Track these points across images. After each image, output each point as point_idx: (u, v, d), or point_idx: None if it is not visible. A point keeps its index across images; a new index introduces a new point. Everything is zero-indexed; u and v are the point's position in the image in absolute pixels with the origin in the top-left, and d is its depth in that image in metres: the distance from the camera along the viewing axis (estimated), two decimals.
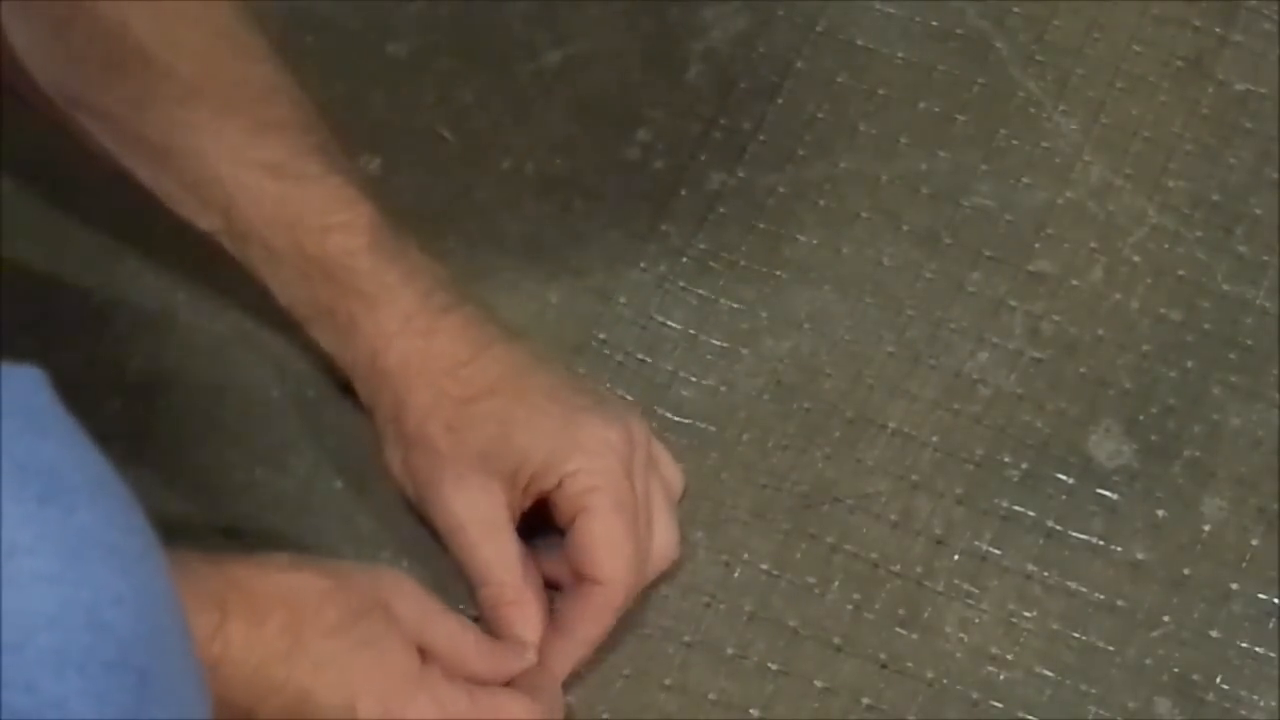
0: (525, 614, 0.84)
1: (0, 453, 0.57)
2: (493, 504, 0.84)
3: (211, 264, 0.92)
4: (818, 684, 0.84)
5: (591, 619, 0.83)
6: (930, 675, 0.84)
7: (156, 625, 0.58)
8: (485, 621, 0.83)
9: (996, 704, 0.83)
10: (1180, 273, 0.91)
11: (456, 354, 0.84)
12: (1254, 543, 0.86)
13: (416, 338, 0.84)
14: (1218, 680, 0.83)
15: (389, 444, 0.86)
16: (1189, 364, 0.89)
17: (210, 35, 0.84)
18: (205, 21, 0.84)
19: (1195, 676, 0.83)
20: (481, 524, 0.84)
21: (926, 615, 0.85)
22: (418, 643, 0.78)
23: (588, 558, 0.82)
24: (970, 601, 0.85)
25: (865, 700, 0.83)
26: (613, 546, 0.82)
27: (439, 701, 0.78)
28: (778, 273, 0.92)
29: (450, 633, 0.80)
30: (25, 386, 0.60)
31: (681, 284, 0.92)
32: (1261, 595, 0.85)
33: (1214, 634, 0.84)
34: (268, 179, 0.83)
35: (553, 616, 0.84)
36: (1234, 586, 0.85)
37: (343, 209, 0.84)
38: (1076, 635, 0.84)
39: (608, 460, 0.83)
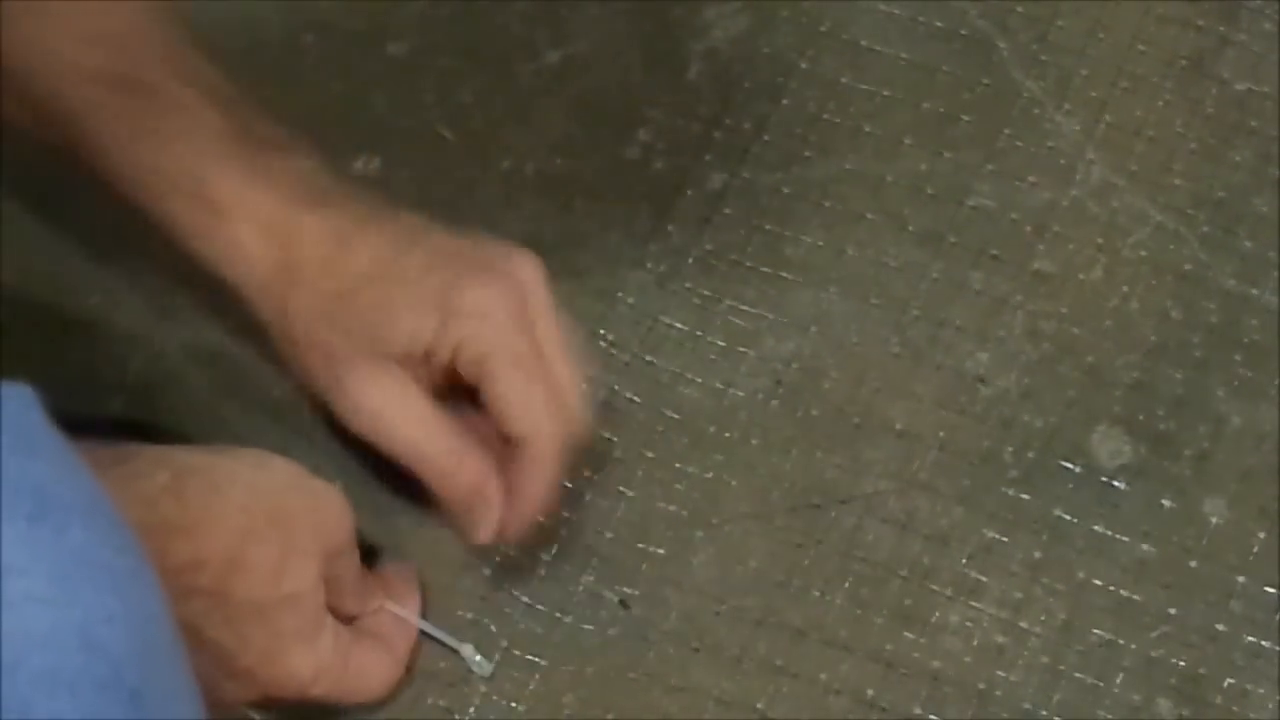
0: (489, 481, 0.82)
1: None
2: (401, 385, 0.81)
3: None
4: (821, 684, 0.84)
5: (530, 476, 0.81)
6: (934, 675, 0.84)
7: (149, 643, 0.58)
8: (454, 505, 0.83)
9: (1000, 703, 0.83)
10: (1183, 272, 0.91)
11: (323, 251, 0.81)
12: (1257, 540, 0.86)
13: (277, 248, 0.80)
14: (1223, 676, 0.83)
15: (287, 358, 0.84)
16: (1191, 363, 0.89)
17: None
18: None
19: (1200, 673, 0.83)
20: (396, 406, 0.82)
21: (929, 615, 0.85)
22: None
23: (503, 419, 0.81)
24: (973, 601, 0.85)
25: (869, 699, 0.84)
26: (521, 401, 0.81)
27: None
28: (780, 273, 0.92)
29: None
30: (15, 405, 0.59)
31: (684, 284, 0.92)
32: (1269, 589, 0.85)
33: (1219, 631, 0.84)
34: (104, 91, 0.80)
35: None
36: (1238, 583, 0.85)
37: (182, 117, 0.80)
38: (1080, 634, 0.84)
39: (494, 319, 0.81)
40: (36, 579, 0.56)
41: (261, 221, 0.80)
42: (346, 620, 0.82)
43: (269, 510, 0.77)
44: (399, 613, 0.84)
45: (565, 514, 0.88)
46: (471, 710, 0.84)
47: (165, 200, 0.81)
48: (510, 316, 0.81)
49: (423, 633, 0.85)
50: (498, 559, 0.87)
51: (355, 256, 0.81)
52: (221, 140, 0.80)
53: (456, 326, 0.80)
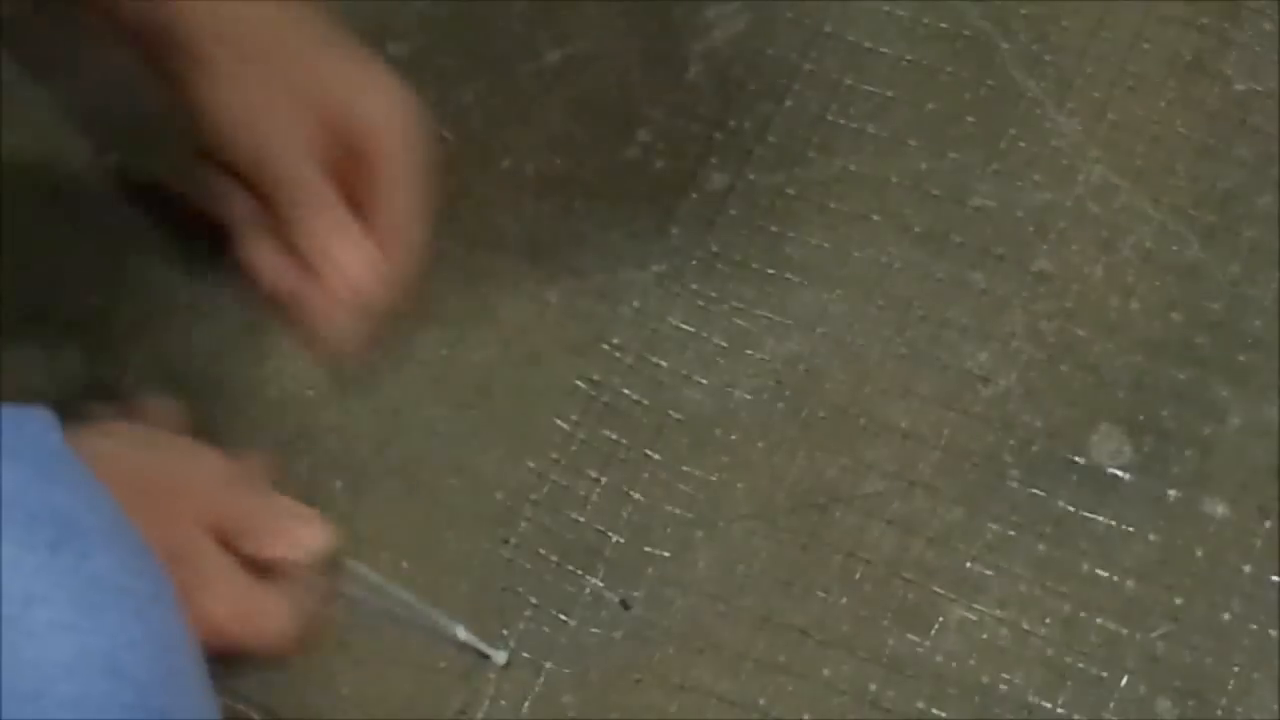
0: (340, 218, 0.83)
1: (10, 502, 0.57)
2: (296, 121, 0.82)
3: (212, 263, 0.92)
4: (824, 683, 0.84)
5: (392, 191, 0.84)
6: (937, 673, 0.84)
7: (172, 667, 0.58)
8: (298, 233, 0.83)
9: (1004, 701, 0.83)
10: (1183, 272, 0.91)
11: None
12: (1261, 536, 0.86)
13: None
14: (1227, 672, 0.83)
15: (206, 69, 0.81)
16: (1191, 363, 0.89)
17: None
18: None
19: (1205, 668, 0.83)
20: (297, 145, 0.82)
21: (930, 614, 0.85)
22: None
23: (371, 132, 0.83)
24: (973, 601, 0.85)
25: (870, 699, 0.84)
26: (396, 121, 0.84)
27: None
28: (783, 274, 0.92)
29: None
30: (34, 430, 0.59)
31: (686, 285, 0.92)
32: (1273, 578, 0.85)
33: (1220, 628, 0.84)
34: None
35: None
36: (1242, 579, 0.85)
37: None
38: (1083, 631, 0.84)
39: (405, 99, 0.84)
40: (59, 607, 0.56)
41: None
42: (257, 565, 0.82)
43: (134, 477, 0.77)
44: (401, 595, 0.84)
45: (576, 517, 0.88)
46: (480, 714, 0.84)
47: None
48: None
49: (425, 628, 0.85)
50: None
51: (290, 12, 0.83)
52: None
53: (375, 88, 0.84)
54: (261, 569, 0.83)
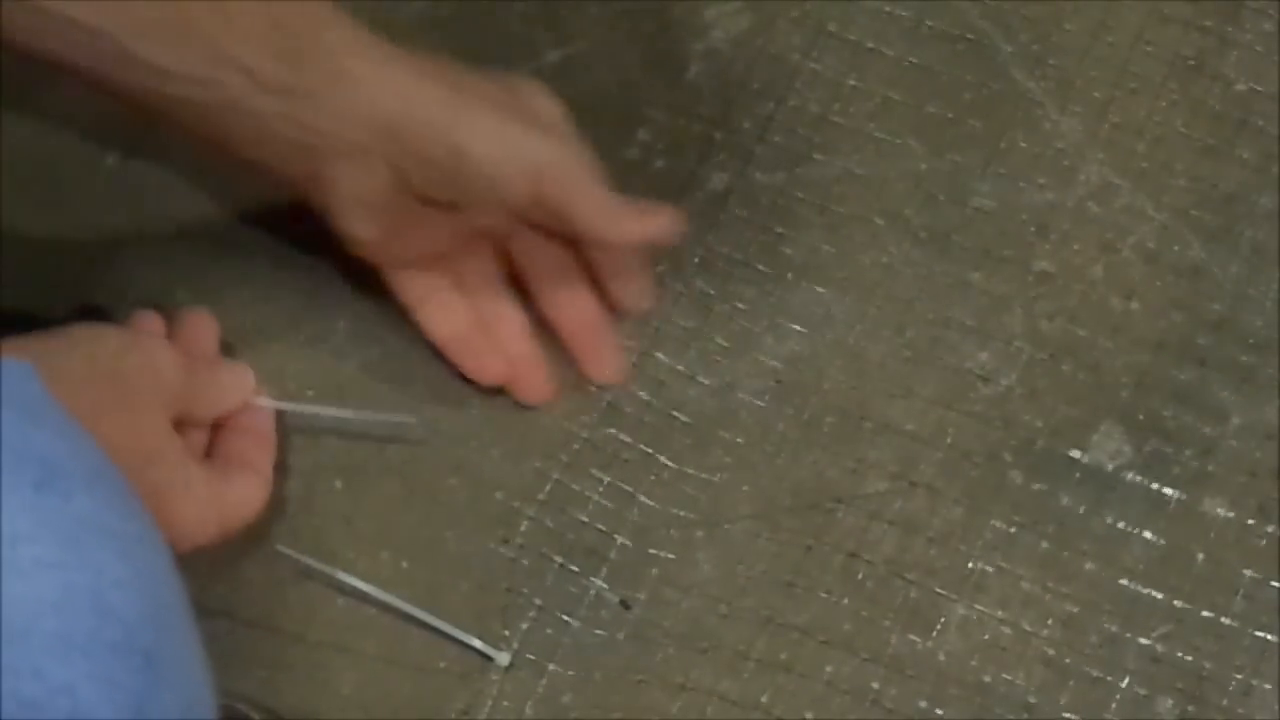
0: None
1: None
2: None
3: (211, 264, 0.92)
4: (826, 682, 0.84)
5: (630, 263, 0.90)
6: (938, 672, 0.84)
7: (159, 606, 0.59)
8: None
9: (1005, 701, 0.83)
10: (1184, 272, 0.91)
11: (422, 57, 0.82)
12: (1263, 536, 0.86)
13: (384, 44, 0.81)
14: (1228, 673, 0.83)
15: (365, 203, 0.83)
16: (1192, 363, 0.90)
17: None
18: None
19: (1206, 669, 0.83)
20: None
21: (932, 614, 0.85)
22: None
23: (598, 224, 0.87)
24: (975, 601, 0.85)
25: (871, 698, 0.84)
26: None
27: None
28: (784, 274, 0.92)
29: None
30: (16, 377, 0.60)
31: (687, 284, 0.92)
32: (1274, 584, 0.85)
33: (1224, 627, 0.84)
34: None
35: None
36: (1244, 580, 0.85)
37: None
38: (1084, 631, 0.85)
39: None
40: (45, 545, 0.56)
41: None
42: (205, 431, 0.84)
43: (109, 378, 0.78)
44: (401, 604, 0.85)
45: (579, 517, 0.88)
46: (482, 715, 0.84)
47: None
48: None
49: (432, 628, 0.85)
50: (519, 542, 0.87)
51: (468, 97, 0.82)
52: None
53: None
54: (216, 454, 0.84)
